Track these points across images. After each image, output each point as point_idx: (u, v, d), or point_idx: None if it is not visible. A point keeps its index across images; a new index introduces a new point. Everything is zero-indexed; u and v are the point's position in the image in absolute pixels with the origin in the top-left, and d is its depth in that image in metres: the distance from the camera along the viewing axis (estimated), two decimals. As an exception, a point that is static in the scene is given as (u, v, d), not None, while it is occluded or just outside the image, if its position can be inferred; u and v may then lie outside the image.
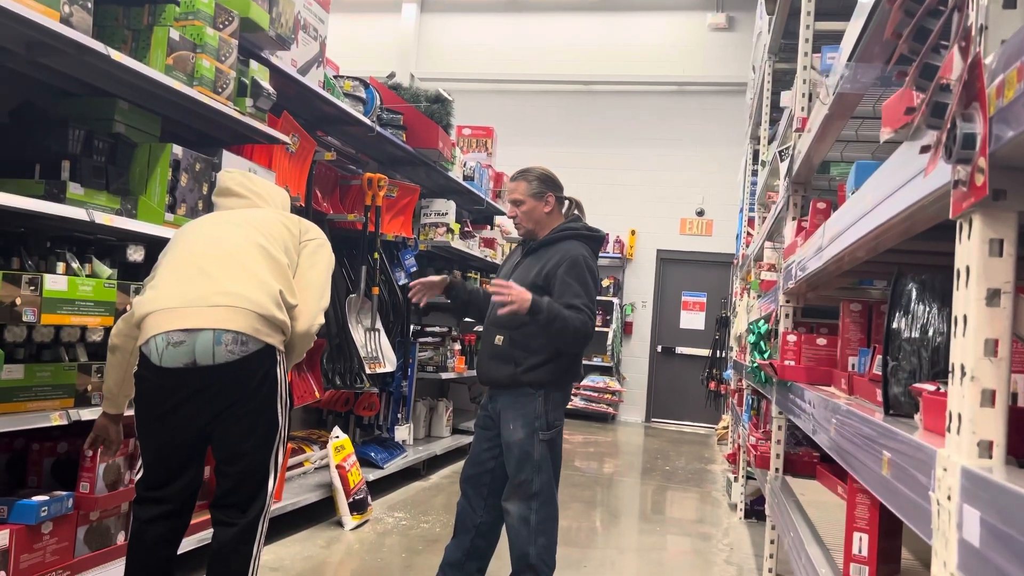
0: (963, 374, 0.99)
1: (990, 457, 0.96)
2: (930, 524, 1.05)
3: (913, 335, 1.53)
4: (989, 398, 0.96)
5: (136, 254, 3.01)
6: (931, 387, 1.35)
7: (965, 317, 0.99)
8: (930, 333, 1.52)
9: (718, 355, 9.23)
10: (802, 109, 3.23)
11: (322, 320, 2.57)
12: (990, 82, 0.92)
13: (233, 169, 3.05)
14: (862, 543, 1.84)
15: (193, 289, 2.35)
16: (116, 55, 2.75)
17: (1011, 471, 0.92)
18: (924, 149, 1.11)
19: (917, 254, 2.16)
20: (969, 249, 0.99)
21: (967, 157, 0.95)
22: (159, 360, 2.30)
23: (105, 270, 2.94)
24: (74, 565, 2.73)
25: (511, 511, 3.09)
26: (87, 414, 2.76)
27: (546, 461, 3.09)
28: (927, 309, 1.53)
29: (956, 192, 1.01)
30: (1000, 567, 0.81)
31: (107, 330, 2.83)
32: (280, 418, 2.43)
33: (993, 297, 0.96)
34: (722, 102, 10.65)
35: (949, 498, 0.98)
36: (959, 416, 0.99)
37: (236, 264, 2.41)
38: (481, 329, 3.55)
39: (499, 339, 3.14)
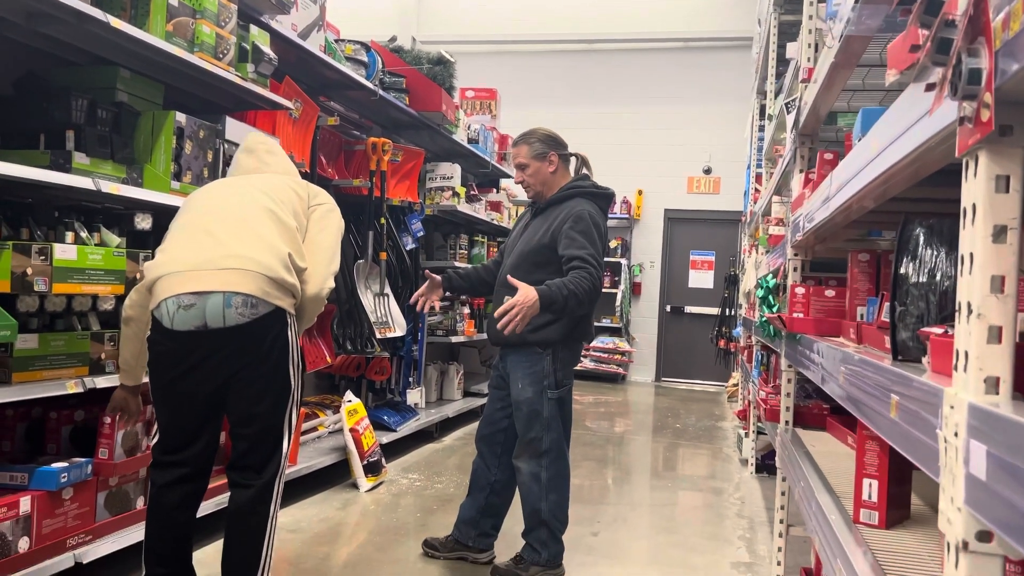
0: (970, 311, 0.99)
1: (997, 393, 0.96)
2: (938, 462, 1.06)
3: (921, 280, 1.52)
4: (996, 335, 0.96)
5: (144, 222, 3.02)
6: (939, 330, 1.35)
7: (971, 255, 0.99)
8: (938, 277, 1.51)
9: (727, 313, 9.23)
10: (808, 59, 3.19)
11: (332, 284, 2.58)
12: (995, 15, 0.91)
13: (259, 133, 3.14)
14: (872, 489, 1.85)
15: (202, 252, 2.36)
16: (116, 22, 2.73)
17: (1018, 405, 0.93)
18: (929, 87, 1.10)
19: (925, 202, 2.15)
20: (975, 186, 0.99)
21: (973, 93, 0.93)
22: (170, 323, 2.32)
23: (114, 239, 2.95)
24: (95, 529, 2.78)
25: (522, 468, 3.13)
26: (102, 382, 2.79)
27: (555, 419, 3.12)
28: (935, 253, 1.52)
29: (962, 129, 1.01)
30: (1006, 497, 0.81)
31: (119, 299, 2.85)
32: (293, 380, 2.46)
33: (999, 234, 0.96)
34: (728, 58, 10.51)
35: (956, 435, 0.98)
36: (966, 354, 0.99)
37: (245, 227, 2.42)
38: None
39: (508, 300, 3.16)
